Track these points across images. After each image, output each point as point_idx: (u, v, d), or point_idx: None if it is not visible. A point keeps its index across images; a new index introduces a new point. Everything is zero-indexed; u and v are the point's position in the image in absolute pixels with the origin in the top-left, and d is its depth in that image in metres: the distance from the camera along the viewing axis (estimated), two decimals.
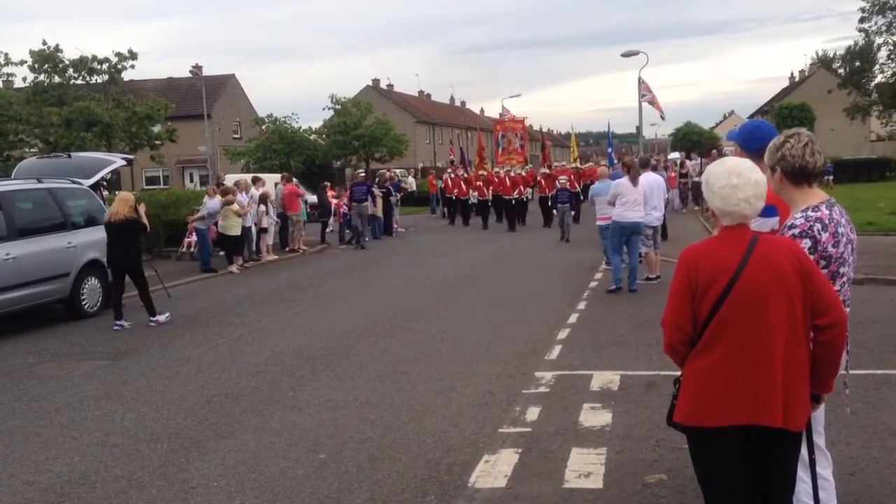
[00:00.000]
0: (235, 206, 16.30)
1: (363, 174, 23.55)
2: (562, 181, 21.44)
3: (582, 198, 26.87)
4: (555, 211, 21.85)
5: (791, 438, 3.04)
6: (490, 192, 25.98)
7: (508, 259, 17.21)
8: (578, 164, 32.46)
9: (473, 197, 27.33)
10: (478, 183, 27.24)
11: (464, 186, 27.59)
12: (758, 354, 2.92)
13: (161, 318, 10.80)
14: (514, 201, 25.10)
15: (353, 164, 47.99)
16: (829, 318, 2.98)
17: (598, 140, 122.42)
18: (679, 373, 3.18)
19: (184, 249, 18.58)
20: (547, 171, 26.89)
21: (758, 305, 2.92)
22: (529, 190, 26.74)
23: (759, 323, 2.92)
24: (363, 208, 21.32)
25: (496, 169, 29.10)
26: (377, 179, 26.40)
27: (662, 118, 33.21)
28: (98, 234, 12.03)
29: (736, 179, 3.01)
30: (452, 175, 29.48)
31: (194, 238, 17.87)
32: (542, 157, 33.41)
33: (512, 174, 26.46)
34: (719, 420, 2.96)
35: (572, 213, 21.26)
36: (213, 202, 16.84)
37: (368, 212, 21.71)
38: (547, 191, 24.79)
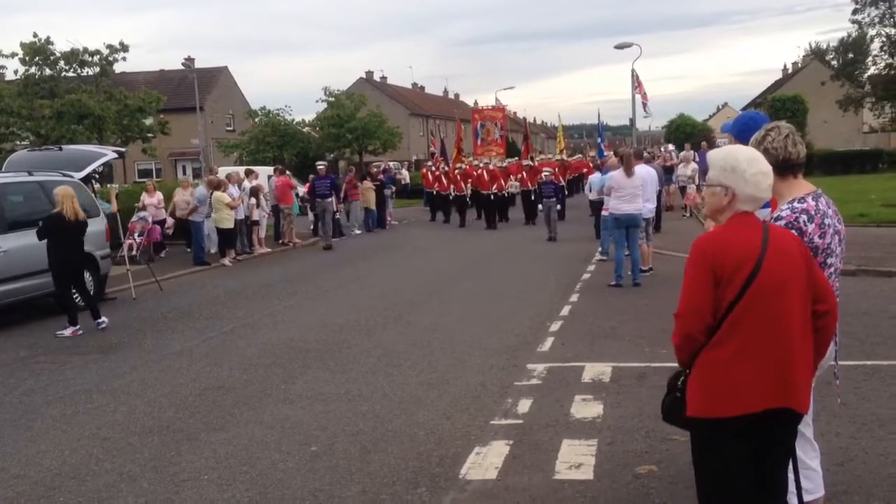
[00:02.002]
0: (227, 199, 16.26)
1: (323, 167, 21.06)
2: (546, 174, 20.02)
3: (567, 192, 25.94)
4: (539, 206, 20.27)
5: (797, 420, 3.12)
6: (468, 186, 24.07)
7: (501, 252, 17.22)
8: (564, 157, 30.60)
9: (454, 192, 24.93)
10: (455, 176, 24.99)
11: (444, 181, 25.51)
12: (779, 339, 2.96)
13: (68, 331, 9.64)
14: (492, 196, 23.22)
15: (346, 156, 47.90)
16: (826, 305, 3.08)
17: (590, 132, 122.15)
18: (675, 367, 3.18)
19: (124, 252, 14.84)
20: (529, 163, 25.38)
21: (778, 291, 2.96)
22: (514, 184, 24.84)
23: (779, 308, 2.96)
24: (327, 204, 19.65)
25: (475, 161, 27.17)
26: (370, 172, 26.30)
27: (645, 112, 32.07)
28: (89, 227, 11.99)
29: (764, 167, 3.09)
30: (434, 169, 27.49)
31: (136, 240, 16.62)
32: (523, 148, 30.96)
33: (490, 167, 24.77)
34: (751, 406, 2.96)
35: (558, 207, 19.54)
36: (200, 190, 16.80)
37: (333, 208, 20.16)
38: (529, 185, 23.45)
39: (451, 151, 31.68)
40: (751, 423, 2.99)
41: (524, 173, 24.19)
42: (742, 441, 3.03)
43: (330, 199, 19.76)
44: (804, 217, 3.34)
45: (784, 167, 3.43)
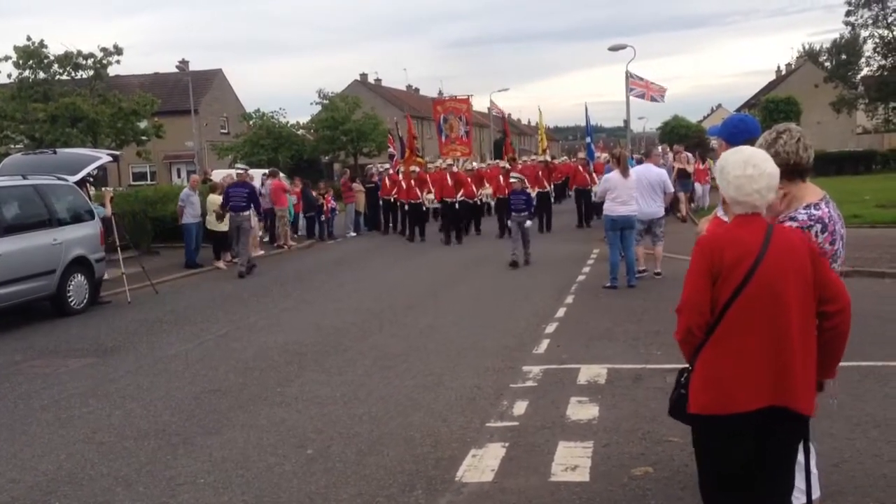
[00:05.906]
0: (219, 200, 16.22)
1: (243, 171, 16.64)
2: (514, 180, 15.61)
3: (554, 199, 23.93)
4: (508, 221, 15.77)
5: (799, 421, 3.10)
6: (424, 193, 20.40)
7: (496, 255, 17.18)
8: (548, 158, 26.62)
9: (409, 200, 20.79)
10: (409, 182, 20.78)
11: (403, 186, 21.09)
12: (779, 337, 2.97)
13: None
14: (457, 205, 19.79)
15: (341, 159, 47.89)
16: (837, 305, 3.08)
17: (584, 135, 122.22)
18: (683, 365, 3.21)
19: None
20: (506, 165, 21.70)
21: (779, 288, 2.97)
22: (488, 191, 21.77)
23: (779, 306, 2.97)
24: (243, 219, 15.34)
25: (447, 163, 22.58)
26: (365, 174, 26.20)
27: (662, 97, 29.03)
28: (84, 230, 12.01)
29: (751, 170, 3.06)
30: (391, 172, 23.73)
31: None
32: (503, 147, 26.60)
33: (454, 169, 21.25)
34: (744, 405, 2.98)
35: (528, 224, 14.96)
36: (186, 191, 16.79)
37: (252, 223, 16.00)
38: (506, 191, 18.58)
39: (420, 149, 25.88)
40: (747, 422, 3.01)
41: (501, 178, 20.40)
42: (737, 440, 3.04)
43: (247, 213, 15.50)
44: (818, 226, 3.38)
45: (793, 171, 3.46)
